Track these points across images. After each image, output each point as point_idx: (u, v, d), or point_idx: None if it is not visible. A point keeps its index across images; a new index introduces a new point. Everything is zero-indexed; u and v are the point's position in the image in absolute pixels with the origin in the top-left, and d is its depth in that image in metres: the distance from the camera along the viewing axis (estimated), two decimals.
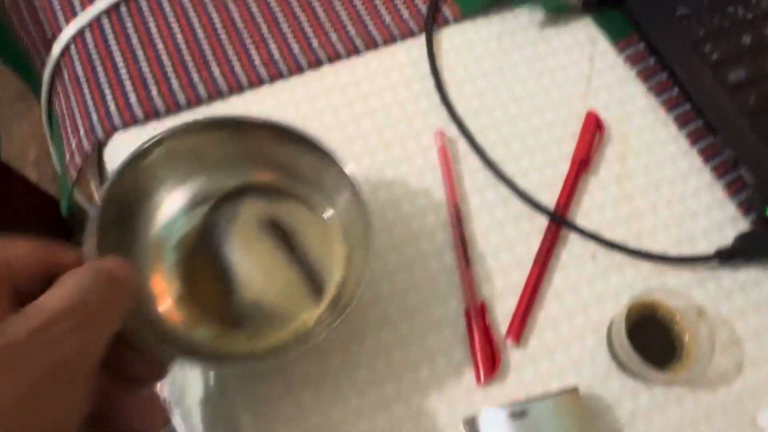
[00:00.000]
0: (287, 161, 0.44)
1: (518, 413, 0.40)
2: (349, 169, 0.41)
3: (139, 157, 0.41)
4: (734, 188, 0.51)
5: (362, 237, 0.41)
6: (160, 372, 0.35)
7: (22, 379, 0.25)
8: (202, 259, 0.43)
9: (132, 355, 0.34)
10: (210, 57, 0.52)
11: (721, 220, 0.51)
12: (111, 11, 0.53)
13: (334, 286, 0.43)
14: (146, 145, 0.41)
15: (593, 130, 0.52)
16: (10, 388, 0.25)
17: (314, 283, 0.44)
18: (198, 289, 0.43)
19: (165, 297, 0.42)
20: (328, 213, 0.45)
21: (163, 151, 0.42)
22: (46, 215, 0.85)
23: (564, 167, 0.51)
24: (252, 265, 0.44)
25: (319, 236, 0.45)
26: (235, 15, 0.54)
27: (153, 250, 0.43)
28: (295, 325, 0.42)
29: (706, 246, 0.50)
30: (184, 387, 0.45)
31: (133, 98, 0.50)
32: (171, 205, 0.44)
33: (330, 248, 0.44)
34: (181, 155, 0.43)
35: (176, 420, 0.44)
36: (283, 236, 0.45)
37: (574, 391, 0.41)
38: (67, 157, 0.52)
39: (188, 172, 0.44)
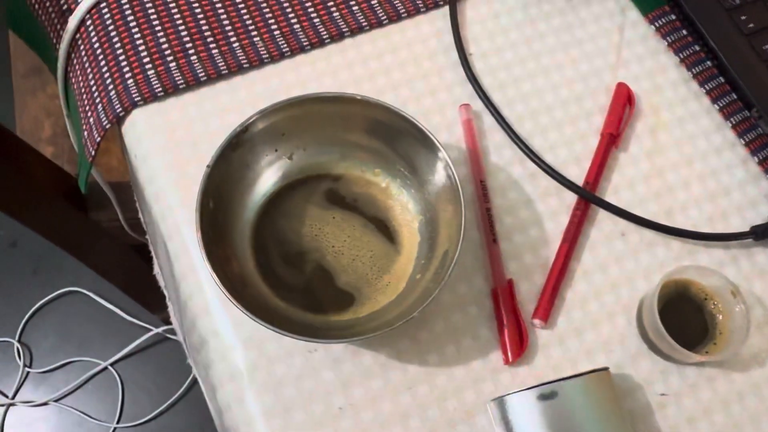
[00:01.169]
0: (379, 137, 0.45)
1: (548, 394, 0.39)
2: (443, 153, 0.42)
3: (240, 133, 0.42)
4: None
5: (451, 212, 0.42)
6: None
7: None
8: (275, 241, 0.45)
9: None
10: (228, 28, 0.51)
11: (756, 197, 0.49)
12: None
13: (414, 245, 0.45)
14: (248, 122, 0.42)
15: (624, 101, 0.50)
16: None
17: (391, 239, 0.45)
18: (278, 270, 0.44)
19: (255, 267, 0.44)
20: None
21: (264, 126, 0.43)
22: (63, 190, 0.85)
23: (593, 141, 0.50)
24: (331, 241, 0.45)
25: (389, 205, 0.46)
26: None
27: (250, 219, 0.45)
28: (390, 287, 0.44)
29: (740, 223, 0.48)
30: (208, 364, 0.44)
31: (151, 72, 0.49)
32: (269, 177, 0.45)
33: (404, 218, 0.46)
34: (279, 129, 0.44)
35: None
36: (350, 205, 0.46)
37: (605, 371, 0.40)
38: (85, 133, 0.52)
39: (286, 146, 0.45)
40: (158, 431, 1.24)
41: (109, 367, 1.25)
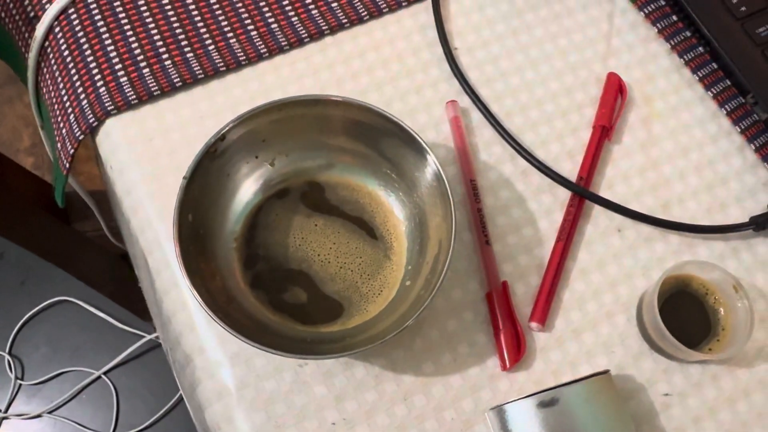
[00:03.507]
0: (363, 140, 0.43)
1: (548, 401, 0.37)
2: (430, 155, 0.40)
3: (217, 141, 0.40)
4: (767, 150, 0.48)
5: (441, 215, 0.41)
6: None
7: None
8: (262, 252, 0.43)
9: None
10: (203, 31, 0.49)
11: (754, 185, 0.48)
12: None
13: (403, 252, 0.43)
14: (225, 129, 0.40)
15: (615, 92, 0.48)
16: None
17: (379, 245, 0.43)
18: (266, 284, 0.43)
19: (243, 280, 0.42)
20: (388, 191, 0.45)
21: (242, 132, 0.41)
22: (44, 202, 0.83)
23: (586, 135, 0.48)
24: (319, 248, 0.43)
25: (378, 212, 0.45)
26: None
27: (233, 231, 0.43)
28: (382, 295, 0.42)
29: (739, 213, 0.47)
30: (194, 383, 0.43)
31: (123, 79, 0.47)
32: (251, 185, 0.43)
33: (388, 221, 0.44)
34: (259, 135, 0.42)
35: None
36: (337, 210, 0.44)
37: (606, 374, 0.39)
38: (59, 145, 0.50)
39: (267, 152, 0.43)
40: None
41: (103, 376, 1.23)
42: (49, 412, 1.20)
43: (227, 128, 0.40)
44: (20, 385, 1.22)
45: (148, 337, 1.24)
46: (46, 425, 1.20)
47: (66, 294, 1.29)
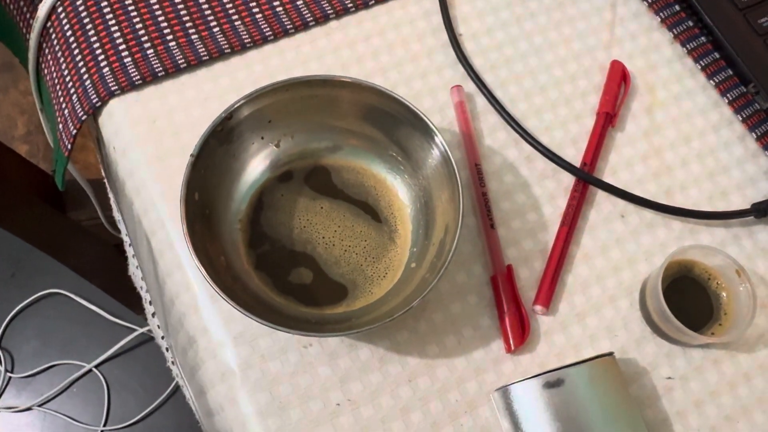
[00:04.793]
0: (370, 122, 0.43)
1: (553, 382, 0.38)
2: (438, 136, 0.40)
3: (224, 120, 0.40)
4: None
5: (447, 198, 0.41)
6: None
7: None
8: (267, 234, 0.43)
9: None
10: (208, 12, 0.48)
11: (755, 173, 0.48)
12: None
13: (407, 232, 0.43)
14: (233, 108, 0.40)
15: (619, 80, 0.48)
16: None
17: (384, 228, 0.43)
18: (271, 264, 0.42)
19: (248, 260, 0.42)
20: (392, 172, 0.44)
21: (249, 112, 0.41)
22: (39, 190, 0.82)
23: (589, 122, 0.48)
24: (323, 232, 0.43)
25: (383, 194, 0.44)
26: None
27: (238, 211, 0.43)
28: (388, 276, 0.42)
29: (740, 201, 0.47)
30: (196, 366, 0.42)
31: (128, 59, 0.47)
32: (256, 166, 0.43)
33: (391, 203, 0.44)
34: (266, 116, 0.42)
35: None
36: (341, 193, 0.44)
37: (610, 356, 0.39)
38: (60, 126, 0.49)
39: (273, 133, 0.43)
40: None
41: (94, 369, 1.22)
42: (39, 405, 1.19)
43: (235, 106, 0.40)
44: (10, 378, 1.21)
45: (140, 330, 1.23)
46: (36, 418, 1.19)
47: (57, 286, 1.28)
